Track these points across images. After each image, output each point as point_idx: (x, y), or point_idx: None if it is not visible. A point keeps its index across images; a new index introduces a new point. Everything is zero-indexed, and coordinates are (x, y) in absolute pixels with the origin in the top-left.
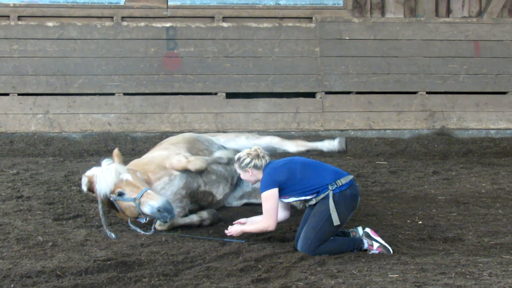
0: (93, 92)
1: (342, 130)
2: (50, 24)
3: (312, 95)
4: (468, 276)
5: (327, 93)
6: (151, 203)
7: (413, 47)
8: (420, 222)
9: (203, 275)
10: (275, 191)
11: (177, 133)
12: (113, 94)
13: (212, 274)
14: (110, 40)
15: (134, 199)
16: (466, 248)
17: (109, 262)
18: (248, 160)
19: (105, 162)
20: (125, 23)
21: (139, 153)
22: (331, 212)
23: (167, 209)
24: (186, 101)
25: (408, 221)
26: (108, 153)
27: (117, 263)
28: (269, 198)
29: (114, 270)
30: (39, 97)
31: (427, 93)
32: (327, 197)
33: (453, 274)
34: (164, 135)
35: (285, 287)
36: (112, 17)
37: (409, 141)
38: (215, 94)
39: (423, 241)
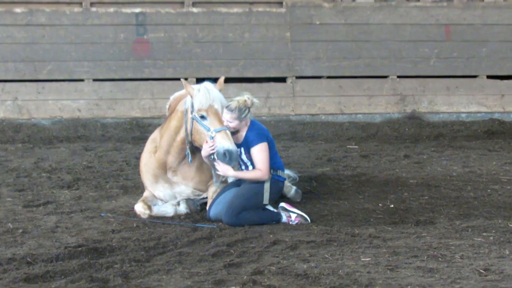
0: (62, 78)
1: (313, 115)
2: (18, 10)
3: (283, 80)
4: (440, 259)
5: (298, 77)
6: (223, 142)
7: (384, 31)
8: (392, 206)
9: (175, 261)
10: (267, 144)
11: (148, 119)
12: (82, 80)
13: (184, 259)
14: (79, 26)
15: (210, 130)
16: (438, 231)
17: (80, 249)
18: (247, 110)
19: (208, 82)
20: (94, 9)
21: (109, 140)
22: (264, 191)
23: (233, 156)
24: (156, 86)
25: (380, 204)
26: (78, 139)
27: (88, 250)
28: (264, 149)
29: (85, 256)
30: (7, 83)
31: (398, 77)
32: None
33: (425, 257)
34: (134, 121)
35: (258, 271)
36: (81, 3)
37: (380, 125)
38: (186, 79)
39: (395, 225)
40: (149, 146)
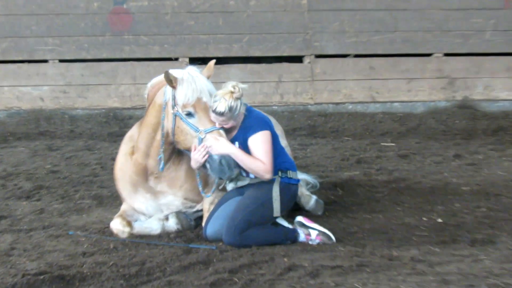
0: (20, 59)
1: (337, 104)
2: None
3: (298, 59)
4: None
5: (318, 56)
6: (217, 147)
7: None
8: (440, 220)
9: None
10: (270, 133)
11: (128, 110)
12: (46, 61)
13: None
14: None
15: (199, 130)
16: (500, 253)
17: (42, 277)
18: (239, 103)
19: (193, 68)
20: None
21: (80, 136)
22: (273, 199)
23: (231, 165)
24: (139, 69)
25: (424, 218)
26: (41, 136)
27: (52, 278)
28: (266, 139)
29: (48, 286)
30: None
31: (445, 55)
32: (272, 182)
33: (484, 287)
34: (111, 113)
35: None
36: None
37: (423, 117)
38: (176, 59)
39: (444, 245)
40: (124, 146)
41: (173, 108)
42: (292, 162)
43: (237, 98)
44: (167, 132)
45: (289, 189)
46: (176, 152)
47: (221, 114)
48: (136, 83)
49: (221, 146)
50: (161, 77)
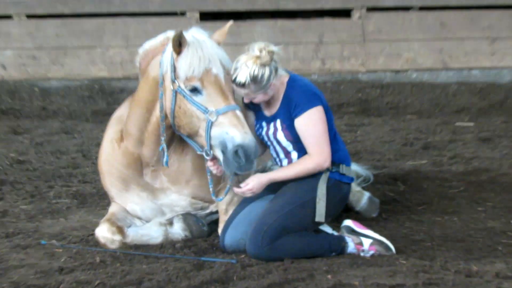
0: None
1: (397, 72)
2: None
3: (345, 13)
4: None
5: (371, 9)
6: (232, 133)
7: None
8: None
9: None
10: (322, 109)
11: (119, 80)
12: (9, 16)
13: None
14: None
15: (208, 111)
16: None
17: None
18: (267, 71)
19: (198, 30)
20: None
21: (55, 115)
22: (317, 199)
23: (251, 156)
24: (133, 27)
25: None
26: (2, 115)
27: None
28: (319, 119)
29: None
30: None
31: None
32: (317, 176)
33: None
34: (96, 84)
35: None
36: None
37: (511, 88)
38: (182, 14)
39: None
40: (111, 131)
41: (172, 83)
42: (347, 153)
43: (264, 65)
44: (166, 114)
45: (340, 188)
46: (177, 138)
47: (241, 85)
48: (129, 45)
49: (259, 183)
50: (158, 39)
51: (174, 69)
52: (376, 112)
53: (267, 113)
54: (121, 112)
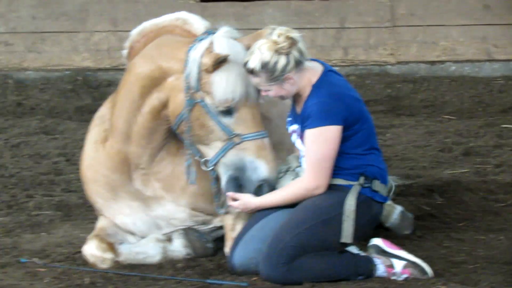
0: None
1: (433, 63)
2: None
3: None
4: None
5: None
6: (258, 165)
7: None
8: None
9: None
10: (339, 129)
11: (105, 71)
12: None
13: None
14: None
15: (234, 134)
16: None
17: None
18: (283, 60)
19: (230, 30)
20: None
21: (32, 112)
22: (344, 216)
23: (272, 188)
24: (122, 6)
25: None
26: None
27: None
28: (326, 140)
29: None
30: None
31: None
32: (346, 189)
33: None
34: (80, 75)
35: None
36: None
37: None
38: None
39: None
40: (94, 131)
41: (194, 92)
42: (384, 167)
43: (280, 52)
44: (178, 122)
45: (371, 207)
46: (171, 137)
47: (251, 71)
48: (117, 30)
49: (244, 207)
50: (162, 20)
51: (199, 79)
52: (408, 111)
53: (298, 109)
54: (102, 112)
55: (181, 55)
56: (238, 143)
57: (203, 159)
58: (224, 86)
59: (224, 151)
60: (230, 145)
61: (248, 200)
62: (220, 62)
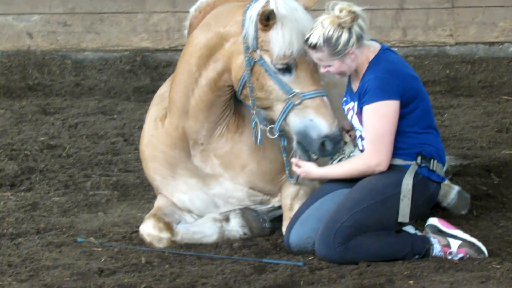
0: None
1: (491, 44)
2: None
3: None
4: None
5: None
6: (317, 122)
7: None
8: None
9: None
10: (397, 104)
11: (165, 52)
12: None
13: None
14: None
15: (293, 93)
16: None
17: None
18: (345, 35)
19: None
20: None
21: (90, 92)
22: (401, 196)
23: (336, 147)
24: None
25: None
26: (29, 92)
27: None
28: (385, 115)
29: None
30: None
31: None
32: (403, 169)
33: None
34: (139, 56)
35: None
36: None
37: None
38: None
39: None
40: (154, 109)
41: (253, 52)
42: (441, 147)
43: (342, 26)
44: (241, 85)
45: (428, 187)
46: (232, 113)
47: (313, 46)
48: (176, 11)
49: (311, 170)
50: None
51: (255, 36)
52: (466, 91)
53: (354, 87)
54: (162, 90)
55: (238, 16)
56: (298, 104)
57: (268, 127)
58: (281, 42)
59: (284, 113)
60: (290, 105)
61: (310, 169)
62: (267, 16)
